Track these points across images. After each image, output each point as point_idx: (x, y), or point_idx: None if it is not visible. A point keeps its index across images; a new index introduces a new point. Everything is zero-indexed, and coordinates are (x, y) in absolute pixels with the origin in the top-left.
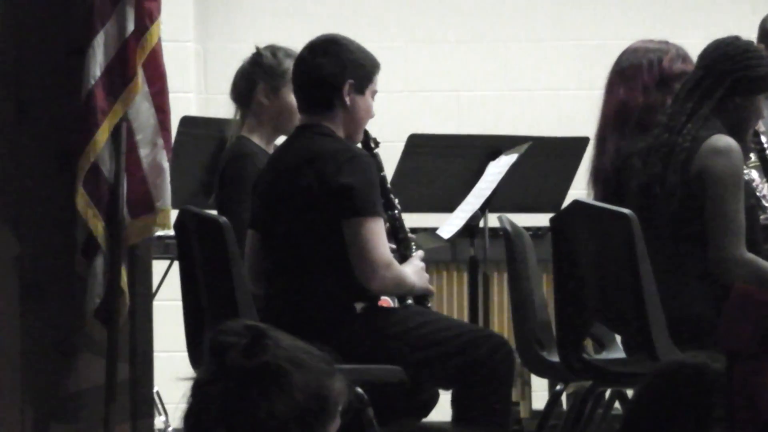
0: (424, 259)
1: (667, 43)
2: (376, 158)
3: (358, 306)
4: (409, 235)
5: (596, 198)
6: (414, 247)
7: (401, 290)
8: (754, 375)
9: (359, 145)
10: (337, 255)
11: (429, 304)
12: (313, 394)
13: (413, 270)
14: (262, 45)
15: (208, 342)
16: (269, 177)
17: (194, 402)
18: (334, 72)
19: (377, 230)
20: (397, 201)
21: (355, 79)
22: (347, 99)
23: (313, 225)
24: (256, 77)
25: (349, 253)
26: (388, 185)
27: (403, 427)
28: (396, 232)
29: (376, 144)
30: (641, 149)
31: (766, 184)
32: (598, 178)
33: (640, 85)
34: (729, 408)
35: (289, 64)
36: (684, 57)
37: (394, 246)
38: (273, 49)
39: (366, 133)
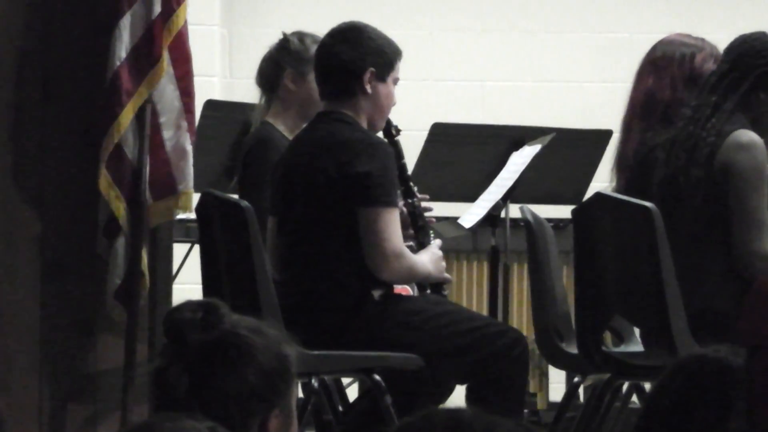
0: (444, 248)
1: (703, 40)
2: (396, 146)
3: (376, 293)
4: (428, 222)
5: (619, 187)
6: (433, 235)
7: (413, 280)
8: None
9: (381, 133)
10: (354, 242)
11: (445, 293)
12: (275, 355)
13: (430, 258)
14: (287, 31)
15: (164, 325)
16: (287, 163)
17: (160, 387)
18: (354, 59)
19: (391, 220)
20: (416, 189)
21: (376, 66)
22: (368, 86)
23: (329, 212)
24: (283, 63)
25: (362, 241)
26: (408, 173)
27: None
28: (415, 220)
29: (398, 132)
30: (665, 141)
31: None
32: (621, 166)
33: (669, 77)
34: (749, 402)
35: None
36: (717, 57)
37: (412, 233)
38: (300, 35)
39: (388, 120)
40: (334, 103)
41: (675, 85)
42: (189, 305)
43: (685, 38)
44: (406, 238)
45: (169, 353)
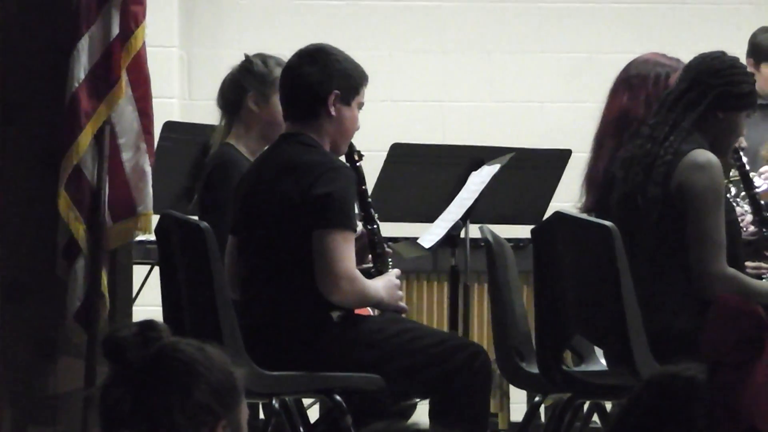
0: (404, 269)
1: (678, 61)
2: (358, 171)
3: (335, 315)
4: (387, 250)
5: (588, 204)
6: (391, 263)
7: (364, 304)
8: (736, 384)
9: (343, 157)
10: (313, 264)
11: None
12: (218, 370)
13: (384, 285)
14: (247, 52)
15: (102, 347)
16: (250, 184)
17: (105, 407)
18: (320, 81)
19: (344, 243)
20: (377, 216)
21: (341, 89)
22: (332, 109)
23: (290, 234)
24: (246, 85)
25: (314, 263)
26: (369, 199)
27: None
28: (374, 247)
29: (360, 157)
30: (624, 159)
31: (741, 201)
32: (591, 184)
33: (644, 96)
34: (711, 417)
35: (279, 73)
36: None
37: (371, 260)
38: (264, 57)
39: (351, 145)
40: (298, 125)
41: (650, 104)
42: (126, 325)
43: (660, 58)
44: (364, 263)
45: (111, 373)
